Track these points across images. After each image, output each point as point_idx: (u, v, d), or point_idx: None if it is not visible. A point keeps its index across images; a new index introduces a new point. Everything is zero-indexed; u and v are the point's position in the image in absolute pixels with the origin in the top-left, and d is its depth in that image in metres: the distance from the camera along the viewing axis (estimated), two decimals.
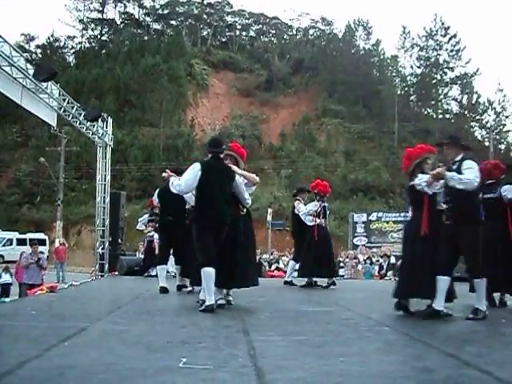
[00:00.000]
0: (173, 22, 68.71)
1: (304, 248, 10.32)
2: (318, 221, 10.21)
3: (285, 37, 71.66)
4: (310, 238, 10.17)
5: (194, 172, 6.24)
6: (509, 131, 50.88)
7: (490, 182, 7.28)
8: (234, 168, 6.67)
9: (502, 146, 50.67)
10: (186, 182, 6.31)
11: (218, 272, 6.05)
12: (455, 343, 4.56)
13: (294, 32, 71.93)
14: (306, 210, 10.36)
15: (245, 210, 6.79)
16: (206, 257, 6.07)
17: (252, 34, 72.22)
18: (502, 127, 51.03)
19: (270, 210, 29.08)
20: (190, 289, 8.48)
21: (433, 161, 6.42)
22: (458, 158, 5.94)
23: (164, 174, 7.04)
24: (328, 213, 10.80)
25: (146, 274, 13.18)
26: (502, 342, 4.74)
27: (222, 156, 6.56)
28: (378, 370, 3.30)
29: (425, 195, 6.15)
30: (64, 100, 12.32)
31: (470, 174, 5.73)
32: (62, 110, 12.47)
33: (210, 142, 6.79)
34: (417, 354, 3.97)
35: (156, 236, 13.32)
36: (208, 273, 6.01)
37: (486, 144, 45.19)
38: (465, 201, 5.79)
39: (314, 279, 10.46)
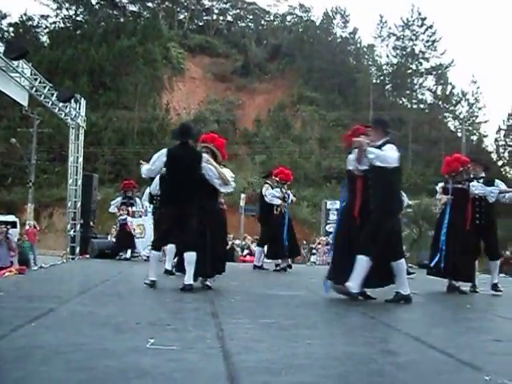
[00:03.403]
0: (149, 4, 67.56)
1: (270, 232, 10.74)
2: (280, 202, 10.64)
3: (262, 22, 71.15)
4: (274, 222, 10.60)
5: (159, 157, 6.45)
6: (481, 122, 51.60)
7: None
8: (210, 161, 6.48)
9: (474, 137, 51.38)
10: (151, 165, 6.51)
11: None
12: (421, 327, 4.64)
13: (272, 18, 71.44)
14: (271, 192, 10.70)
15: (225, 207, 7.92)
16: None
17: (229, 18, 71.56)
18: (474, 118, 51.62)
19: (242, 196, 29.08)
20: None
21: None
22: None
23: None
24: (290, 200, 11.10)
25: (118, 257, 13.13)
26: (467, 326, 4.84)
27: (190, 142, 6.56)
28: (343, 352, 3.35)
29: None
30: (36, 79, 12.11)
31: None
32: (34, 89, 12.26)
33: (179, 129, 6.79)
34: (382, 337, 4.04)
35: (129, 219, 13.24)
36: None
37: (459, 135, 45.80)
38: None
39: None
